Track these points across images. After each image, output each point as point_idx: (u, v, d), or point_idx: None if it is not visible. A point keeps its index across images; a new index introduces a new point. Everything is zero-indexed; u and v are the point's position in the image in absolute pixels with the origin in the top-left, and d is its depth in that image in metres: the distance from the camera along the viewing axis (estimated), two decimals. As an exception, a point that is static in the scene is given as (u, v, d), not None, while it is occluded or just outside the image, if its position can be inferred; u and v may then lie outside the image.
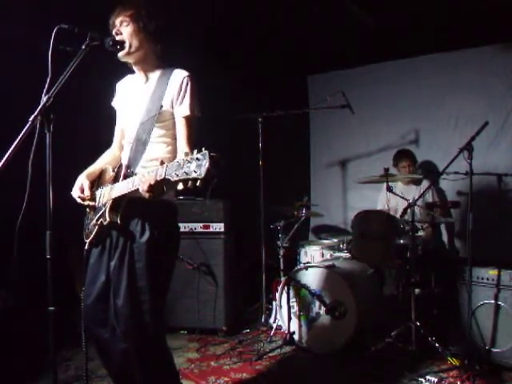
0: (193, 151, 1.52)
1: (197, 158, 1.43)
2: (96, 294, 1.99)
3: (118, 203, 1.92)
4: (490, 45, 4.12)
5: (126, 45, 1.98)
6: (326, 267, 3.33)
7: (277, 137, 4.09)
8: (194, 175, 1.42)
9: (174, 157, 1.99)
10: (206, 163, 1.41)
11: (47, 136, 1.63)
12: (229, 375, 2.87)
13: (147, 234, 1.93)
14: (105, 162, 2.21)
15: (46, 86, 1.67)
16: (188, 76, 2.00)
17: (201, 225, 3.64)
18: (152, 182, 1.63)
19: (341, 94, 3.74)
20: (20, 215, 1.61)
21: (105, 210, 1.94)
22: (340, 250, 3.91)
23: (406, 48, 4.26)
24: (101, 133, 2.41)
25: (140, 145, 2.00)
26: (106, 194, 1.98)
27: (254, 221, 3.72)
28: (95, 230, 1.99)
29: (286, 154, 4.50)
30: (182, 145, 1.96)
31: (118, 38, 1.97)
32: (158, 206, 1.93)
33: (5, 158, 1.52)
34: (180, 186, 1.47)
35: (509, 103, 4.16)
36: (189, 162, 1.44)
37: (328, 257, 3.88)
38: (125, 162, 2.03)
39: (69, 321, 2.07)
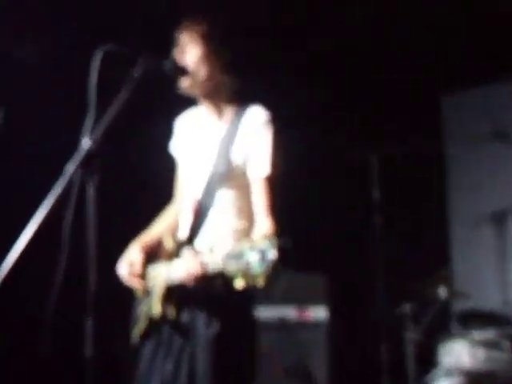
0: (273, 225, 1.88)
1: (260, 248, 1.58)
2: None
3: (172, 289, 1.98)
4: None
5: (191, 72, 2.06)
6: (481, 375, 3.06)
7: (396, 182, 4.06)
8: (256, 270, 1.57)
9: (249, 231, 2.04)
10: (271, 256, 1.55)
11: (90, 194, 1.67)
12: None
13: (213, 329, 1.95)
14: (165, 225, 2.29)
15: (90, 124, 1.75)
16: (267, 116, 2.06)
17: (292, 309, 3.67)
18: (199, 272, 1.80)
19: (490, 119, 3.58)
20: (51, 297, 1.67)
21: (154, 299, 2.02)
22: (500, 349, 3.58)
23: None
24: (162, 185, 2.54)
25: (202, 211, 2.08)
26: (159, 276, 2.05)
27: (369, 303, 3.73)
28: (144, 322, 2.06)
29: (412, 206, 4.40)
30: (260, 215, 2.03)
31: (181, 62, 2.06)
32: (226, 288, 1.94)
33: (35, 226, 1.58)
34: (239, 283, 1.61)
35: None
36: (250, 251, 1.59)
37: (482, 359, 3.55)
38: (184, 234, 2.10)
39: None
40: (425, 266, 3.97)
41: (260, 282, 1.57)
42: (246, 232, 2.06)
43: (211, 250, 1.86)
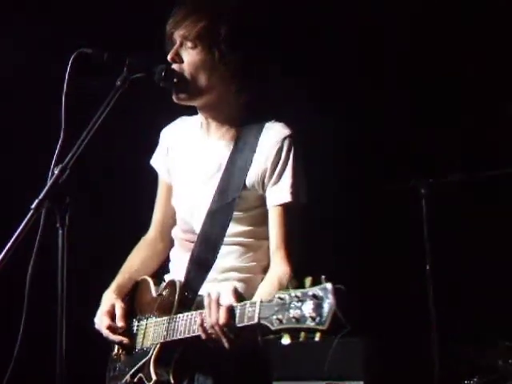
0: (292, 267, 1.83)
1: (314, 295, 1.42)
2: None
3: (169, 351, 1.86)
4: None
5: (187, 81, 1.92)
6: None
7: (456, 220, 3.79)
8: (310, 324, 1.40)
9: (261, 270, 1.99)
10: (330, 305, 1.38)
11: (60, 233, 1.56)
12: None
13: None
14: (140, 263, 2.18)
15: (58, 148, 1.63)
16: (289, 137, 1.94)
17: (322, 384, 3.45)
18: (225, 322, 1.63)
19: None
20: (14, 354, 1.62)
21: (148, 362, 1.89)
22: None
23: None
24: (142, 214, 2.42)
25: (207, 250, 1.97)
26: (151, 332, 1.94)
27: (423, 374, 3.48)
28: None
29: (475, 248, 3.97)
30: (275, 251, 1.95)
31: (174, 66, 1.91)
32: (236, 356, 1.83)
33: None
34: (286, 340, 1.46)
35: None
36: (299, 299, 1.45)
37: None
38: (178, 276, 1.98)
39: None
40: (495, 327, 3.61)
41: (316, 338, 1.41)
42: (255, 274, 2.00)
43: (236, 297, 1.71)
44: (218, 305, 1.66)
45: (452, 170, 3.53)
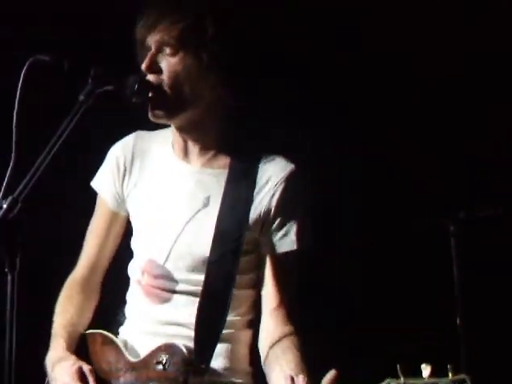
0: (296, 325, 1.75)
1: None
2: None
3: None
4: None
5: (166, 94, 1.74)
6: None
7: (489, 262, 3.49)
8: None
9: (245, 325, 1.89)
10: None
11: (9, 279, 1.41)
12: None
13: None
14: (76, 312, 1.94)
15: (7, 176, 1.49)
16: (295, 173, 1.85)
17: None
18: None
19: None
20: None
21: None
22: None
23: None
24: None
25: (215, 308, 1.81)
26: None
27: None
28: None
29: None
30: (277, 308, 1.82)
31: (150, 77, 1.72)
32: None
33: None
34: None
35: None
36: None
37: None
38: (146, 333, 1.82)
39: None
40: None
41: None
42: (237, 333, 1.87)
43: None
44: None
45: (485, 205, 3.28)
